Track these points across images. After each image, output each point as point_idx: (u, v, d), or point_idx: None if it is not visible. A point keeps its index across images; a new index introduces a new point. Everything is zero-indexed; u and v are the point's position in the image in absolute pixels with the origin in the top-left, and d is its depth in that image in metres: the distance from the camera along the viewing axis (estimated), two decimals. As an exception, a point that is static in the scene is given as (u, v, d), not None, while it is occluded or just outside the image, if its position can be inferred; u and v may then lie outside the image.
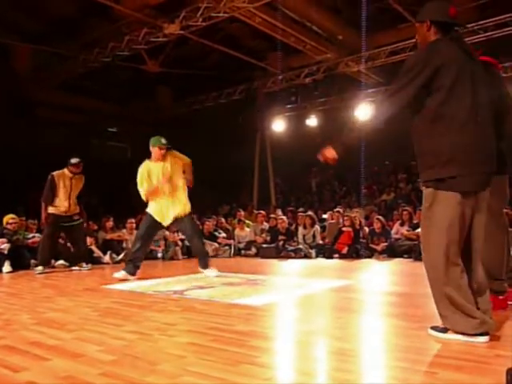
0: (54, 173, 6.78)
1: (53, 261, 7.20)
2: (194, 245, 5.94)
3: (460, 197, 2.43)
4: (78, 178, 6.85)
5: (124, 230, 9.08)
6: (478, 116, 2.45)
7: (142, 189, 5.56)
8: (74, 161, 6.81)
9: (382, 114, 2.63)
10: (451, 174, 2.41)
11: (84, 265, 6.99)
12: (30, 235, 7.63)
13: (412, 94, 2.50)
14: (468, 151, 2.42)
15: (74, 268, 7.00)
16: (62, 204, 6.72)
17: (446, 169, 2.42)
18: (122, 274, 5.45)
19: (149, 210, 5.62)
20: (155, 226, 5.65)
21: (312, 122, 13.93)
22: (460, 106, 2.44)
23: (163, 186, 5.55)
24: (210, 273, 5.70)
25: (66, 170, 6.80)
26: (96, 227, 8.88)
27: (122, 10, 9.33)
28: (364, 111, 12.28)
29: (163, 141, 5.55)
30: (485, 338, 2.41)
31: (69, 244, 7.38)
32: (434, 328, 2.59)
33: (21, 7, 9.92)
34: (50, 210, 6.71)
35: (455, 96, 2.44)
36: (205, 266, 5.77)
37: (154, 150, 5.56)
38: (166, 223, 5.68)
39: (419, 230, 9.43)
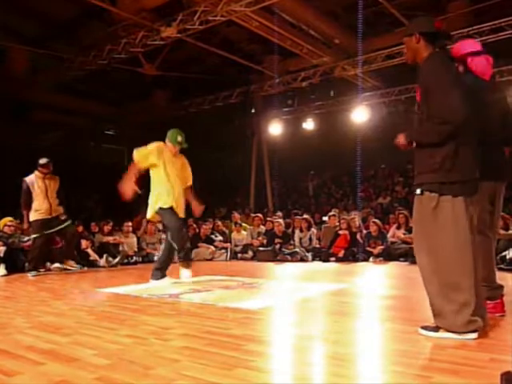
0: (26, 178, 6.73)
1: (48, 264, 7.18)
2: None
3: (462, 200, 2.54)
4: (50, 177, 6.79)
5: (120, 233, 9.06)
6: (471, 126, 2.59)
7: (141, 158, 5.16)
8: (42, 161, 6.73)
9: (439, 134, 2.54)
10: (453, 180, 2.53)
11: (73, 263, 6.93)
12: (26, 238, 7.58)
13: (460, 101, 2.46)
14: (468, 158, 2.56)
15: (58, 266, 6.96)
16: (42, 207, 6.65)
17: (450, 174, 2.52)
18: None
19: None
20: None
21: (309, 125, 13.97)
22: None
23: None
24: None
25: (36, 172, 6.74)
26: (97, 229, 8.89)
27: (119, 13, 9.34)
28: (360, 114, 12.35)
29: (179, 138, 5.36)
30: (474, 335, 2.49)
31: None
32: (425, 328, 2.64)
33: (18, 10, 9.92)
34: (33, 216, 6.65)
35: None
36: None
37: (170, 145, 5.36)
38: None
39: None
